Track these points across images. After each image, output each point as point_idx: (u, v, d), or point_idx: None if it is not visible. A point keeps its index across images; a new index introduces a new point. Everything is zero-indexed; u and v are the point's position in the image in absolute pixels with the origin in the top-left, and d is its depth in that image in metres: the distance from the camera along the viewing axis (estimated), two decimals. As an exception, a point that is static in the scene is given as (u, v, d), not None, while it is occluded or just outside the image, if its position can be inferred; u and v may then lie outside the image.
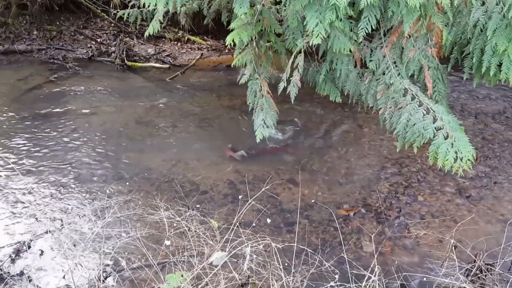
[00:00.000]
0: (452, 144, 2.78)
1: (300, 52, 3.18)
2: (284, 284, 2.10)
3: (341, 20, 2.82)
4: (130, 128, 4.28)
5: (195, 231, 2.50)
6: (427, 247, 2.83)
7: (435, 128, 2.88)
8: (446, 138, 2.82)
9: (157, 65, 5.94)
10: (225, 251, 2.18)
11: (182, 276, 2.10)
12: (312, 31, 2.80)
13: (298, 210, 2.96)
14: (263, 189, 2.62)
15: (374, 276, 2.02)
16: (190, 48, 6.60)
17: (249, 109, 3.59)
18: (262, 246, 2.26)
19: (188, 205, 3.07)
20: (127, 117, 4.50)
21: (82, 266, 2.53)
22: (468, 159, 2.73)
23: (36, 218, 2.99)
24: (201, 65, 6.04)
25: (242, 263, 2.17)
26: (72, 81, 5.30)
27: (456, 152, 2.75)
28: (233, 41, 3.16)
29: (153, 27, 3.72)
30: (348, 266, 2.25)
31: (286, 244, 2.31)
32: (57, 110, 4.57)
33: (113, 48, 6.19)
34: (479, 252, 2.51)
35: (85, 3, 6.70)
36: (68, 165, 3.62)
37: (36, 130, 4.16)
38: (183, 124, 4.39)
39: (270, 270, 2.20)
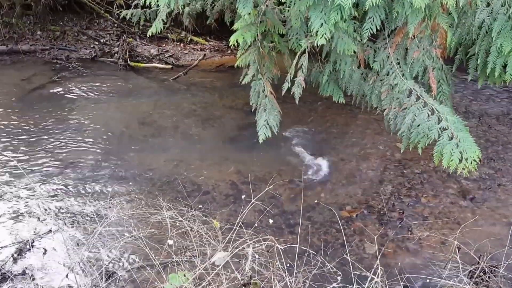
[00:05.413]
0: (457, 144, 2.77)
1: (304, 52, 3.18)
2: (287, 284, 2.09)
3: (345, 20, 2.81)
4: (133, 128, 4.28)
5: (197, 231, 2.49)
6: (430, 249, 2.81)
7: (440, 128, 2.86)
8: (451, 138, 2.80)
9: (160, 65, 5.95)
10: (227, 251, 2.18)
11: (184, 276, 2.09)
12: (317, 31, 2.79)
13: (301, 211, 2.94)
14: (265, 189, 2.61)
15: (377, 277, 2.01)
16: (193, 48, 6.61)
17: (252, 110, 3.59)
18: (264, 247, 2.25)
19: (191, 205, 3.06)
20: (130, 117, 4.50)
21: (84, 266, 2.53)
22: (474, 160, 2.71)
23: (39, 218, 3.00)
24: (203, 66, 6.04)
25: (244, 263, 2.16)
26: (75, 81, 5.31)
27: (461, 153, 2.74)
28: (236, 41, 3.16)
29: (156, 27, 3.72)
30: (350, 267, 2.24)
31: (288, 245, 2.30)
32: (60, 110, 4.58)
33: (116, 49, 6.20)
34: (482, 254, 2.49)
35: (88, 4, 6.71)
36: (71, 165, 3.62)
37: (39, 129, 4.17)
38: (185, 125, 4.39)
39: (272, 271, 2.20)
